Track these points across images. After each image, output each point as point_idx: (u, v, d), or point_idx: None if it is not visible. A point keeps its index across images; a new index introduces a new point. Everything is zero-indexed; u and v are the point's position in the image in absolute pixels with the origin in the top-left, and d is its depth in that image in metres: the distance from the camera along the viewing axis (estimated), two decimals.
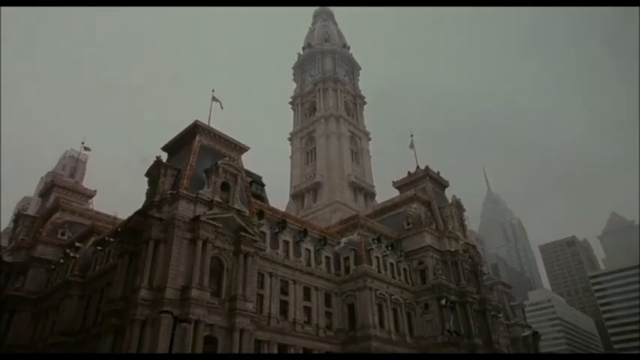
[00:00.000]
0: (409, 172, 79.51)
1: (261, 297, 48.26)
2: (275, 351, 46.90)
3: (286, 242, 54.84)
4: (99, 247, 57.93)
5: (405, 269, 63.52)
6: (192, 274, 40.09)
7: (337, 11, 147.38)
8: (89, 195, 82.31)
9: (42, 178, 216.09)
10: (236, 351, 39.91)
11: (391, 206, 75.02)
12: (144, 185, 48.03)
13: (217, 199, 45.55)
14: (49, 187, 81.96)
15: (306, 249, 56.87)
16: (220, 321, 40.58)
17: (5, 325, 59.06)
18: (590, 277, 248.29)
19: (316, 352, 50.80)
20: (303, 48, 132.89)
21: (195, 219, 42.60)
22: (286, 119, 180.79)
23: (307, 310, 53.04)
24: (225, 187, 47.39)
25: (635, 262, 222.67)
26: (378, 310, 55.64)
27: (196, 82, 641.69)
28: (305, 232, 58.37)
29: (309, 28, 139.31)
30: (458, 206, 73.44)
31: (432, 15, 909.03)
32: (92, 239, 62.20)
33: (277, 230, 54.84)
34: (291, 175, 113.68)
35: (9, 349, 56.38)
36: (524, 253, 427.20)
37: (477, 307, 64.59)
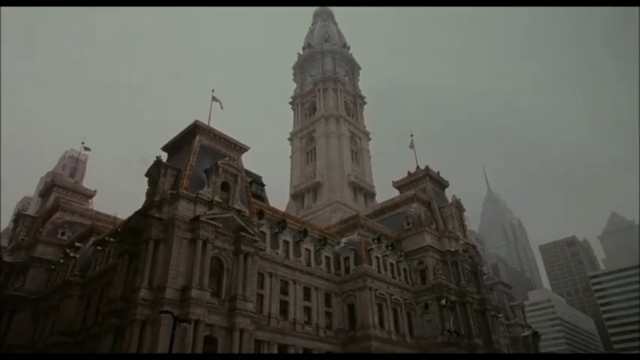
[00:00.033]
0: (409, 172, 79.52)
1: (261, 297, 48.26)
2: (275, 351, 46.90)
3: (286, 242, 54.84)
4: (99, 247, 57.93)
5: (405, 269, 63.52)
6: (192, 274, 40.09)
7: (337, 11, 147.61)
8: (89, 195, 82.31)
9: (42, 178, 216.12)
10: (236, 351, 39.91)
11: (391, 206, 75.02)
12: (144, 185, 48.08)
13: (217, 199, 45.55)
14: (49, 187, 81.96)
15: (306, 249, 56.87)
16: (220, 321, 40.58)
17: (5, 325, 59.06)
18: (590, 277, 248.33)
19: (316, 352, 50.80)
20: (303, 48, 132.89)
21: (195, 219, 42.60)
22: (286, 119, 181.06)
23: (307, 310, 53.03)
24: (225, 187, 47.40)
25: (635, 262, 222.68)
26: (378, 310, 55.64)
27: (196, 82, 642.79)
28: (305, 232, 58.37)
29: (309, 28, 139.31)
30: (458, 206, 73.46)
31: (432, 15, 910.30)
32: (92, 239, 62.20)
33: (277, 230, 54.84)
34: (291, 175, 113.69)
35: (9, 349, 56.38)
36: (524, 253, 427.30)
37: (477, 307, 64.59)
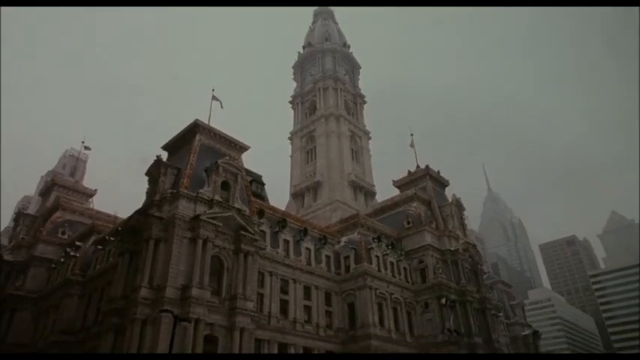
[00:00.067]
0: (409, 171, 79.54)
1: (261, 296, 48.30)
2: (275, 350, 46.94)
3: (286, 241, 54.86)
4: (99, 246, 57.96)
5: (405, 268, 63.54)
6: (192, 273, 40.13)
7: (337, 11, 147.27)
8: (89, 194, 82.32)
9: (42, 177, 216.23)
10: (236, 350, 39.95)
11: (391, 205, 75.03)
12: (144, 184, 48.12)
13: (217, 198, 45.56)
14: (50, 186, 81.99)
15: (307, 248, 56.89)
16: (221, 320, 40.62)
17: (6, 323, 59.13)
18: (590, 276, 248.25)
19: (316, 351, 50.84)
20: (304, 47, 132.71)
21: (196, 218, 42.63)
22: (286, 118, 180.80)
23: (307, 309, 53.07)
24: (225, 186, 47.41)
25: (635, 261, 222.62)
26: (378, 309, 55.67)
27: (196, 82, 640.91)
28: (305, 231, 58.39)
29: (310, 27, 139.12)
30: (458, 205, 73.46)
31: (432, 15, 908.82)
32: (92, 238, 62.24)
33: (277, 229, 54.85)
34: (291, 174, 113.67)
35: (10, 347, 56.47)
36: (524, 252, 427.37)
37: (477, 306, 64.62)
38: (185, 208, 43.33)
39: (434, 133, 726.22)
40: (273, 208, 59.46)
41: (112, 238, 54.85)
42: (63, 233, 68.28)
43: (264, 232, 51.62)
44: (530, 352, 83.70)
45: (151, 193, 46.17)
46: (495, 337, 64.02)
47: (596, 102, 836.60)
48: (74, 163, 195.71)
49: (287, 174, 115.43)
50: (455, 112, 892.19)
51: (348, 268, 58.41)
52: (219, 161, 47.74)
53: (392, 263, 61.65)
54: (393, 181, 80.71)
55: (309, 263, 55.85)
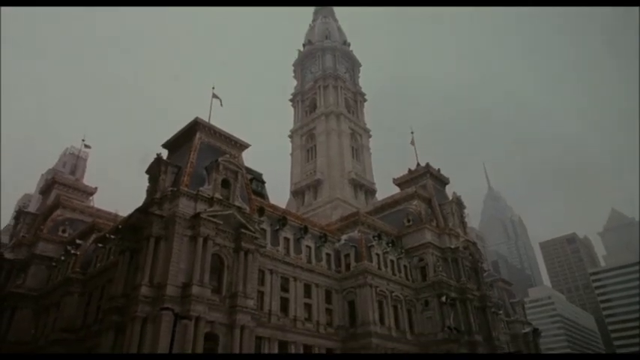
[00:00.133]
0: (410, 169, 79.52)
1: (261, 294, 48.33)
2: (276, 347, 46.98)
3: (287, 239, 54.88)
4: (100, 245, 58.00)
5: (405, 266, 63.56)
6: (192, 271, 40.12)
7: (338, 9, 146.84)
8: (90, 192, 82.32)
9: (42, 175, 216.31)
10: (237, 348, 39.98)
11: (392, 203, 75.02)
12: (144, 182, 48.05)
13: (218, 196, 45.53)
14: (50, 184, 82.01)
15: (307, 246, 56.90)
16: (221, 318, 40.64)
17: (7, 322, 59.21)
18: (590, 274, 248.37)
19: (317, 348, 50.88)
20: (304, 45, 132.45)
21: (196, 216, 42.63)
22: (286, 116, 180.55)
23: (308, 306, 53.11)
24: (225, 184, 47.38)
25: (636, 258, 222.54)
26: (379, 306, 55.72)
27: (196, 80, 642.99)
28: (305, 229, 58.41)
29: (310, 25, 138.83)
30: (458, 203, 73.45)
31: (433, 14, 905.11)
32: (93, 236, 62.24)
33: (278, 227, 54.87)
34: (291, 172, 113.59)
35: (10, 345, 56.55)
36: (524, 250, 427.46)
37: (477, 304, 64.66)
38: (185, 206, 43.32)
39: (434, 132, 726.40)
40: (273, 206, 59.44)
41: (112, 236, 54.86)
42: (63, 231, 68.29)
43: (264, 230, 51.62)
44: (531, 349, 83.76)
45: (151, 191, 46.16)
46: (495, 335, 64.10)
47: (596, 100, 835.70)
48: (74, 161, 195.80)
49: (287, 172, 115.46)
50: (455, 110, 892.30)
51: (348, 266, 58.44)
52: (220, 159, 47.70)
53: (392, 261, 61.67)
54: (394, 179, 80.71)
55: (309, 261, 55.87)
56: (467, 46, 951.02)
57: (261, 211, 52.42)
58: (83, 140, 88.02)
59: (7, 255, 66.55)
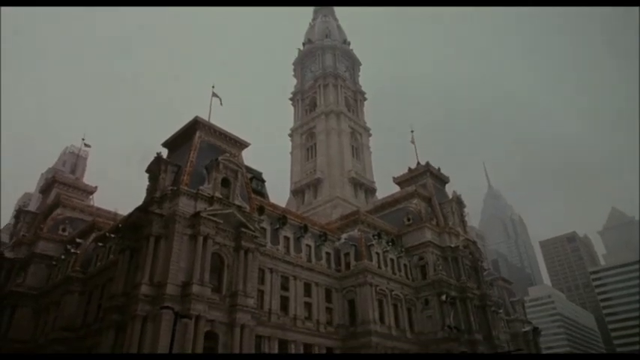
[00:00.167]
0: (410, 168, 79.47)
1: (261, 293, 48.33)
2: (276, 346, 46.97)
3: (287, 238, 54.87)
4: (100, 243, 58.00)
5: (405, 265, 63.55)
6: (192, 270, 40.11)
7: (337, 8, 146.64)
8: (90, 191, 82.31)
9: (42, 174, 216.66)
10: (237, 346, 39.96)
11: (392, 202, 74.99)
12: (144, 181, 48.03)
13: (218, 195, 45.51)
14: (50, 183, 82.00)
15: (307, 245, 56.90)
16: (221, 317, 40.64)
17: (7, 320, 59.24)
18: (590, 273, 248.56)
19: (317, 347, 50.88)
20: (304, 44, 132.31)
21: (196, 215, 42.62)
22: (286, 115, 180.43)
23: (308, 305, 53.11)
24: (225, 183, 47.35)
25: (636, 257, 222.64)
26: (379, 305, 55.72)
27: (196, 79, 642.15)
28: (305, 228, 58.41)
29: (310, 24, 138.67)
30: (458, 202, 73.42)
31: (433, 14, 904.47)
32: (93, 235, 62.23)
33: (278, 226, 54.87)
34: (291, 171, 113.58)
35: (11, 344, 56.57)
36: (524, 248, 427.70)
37: (478, 302, 64.66)
38: (185, 205, 43.30)
39: (434, 131, 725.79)
40: (273, 205, 59.44)
41: (112, 235, 54.87)
42: (63, 230, 68.30)
43: (264, 229, 51.61)
44: (531, 348, 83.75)
45: (151, 190, 46.16)
46: (495, 334, 64.10)
47: (596, 100, 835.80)
48: (74, 160, 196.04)
49: (287, 171, 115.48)
50: (455, 110, 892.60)
51: (348, 265, 58.45)
52: (220, 158, 47.67)
53: (392, 260, 61.67)
54: (394, 177, 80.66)
55: (309, 260, 55.87)
56: (467, 46, 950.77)
57: (261, 210, 52.40)
58: (83, 139, 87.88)
59: (8, 254, 66.57)
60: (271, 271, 50.50)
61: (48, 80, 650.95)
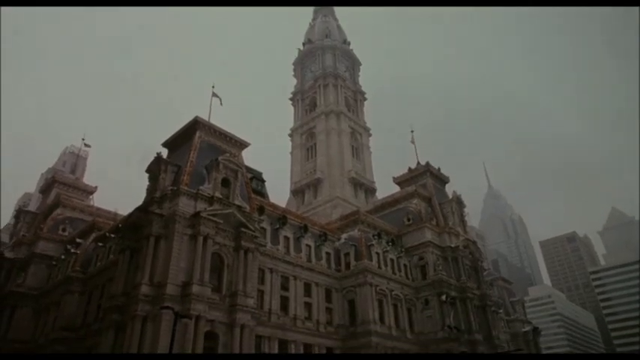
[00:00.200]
0: (410, 168, 79.45)
1: (261, 293, 48.33)
2: (276, 346, 46.97)
3: (287, 238, 54.86)
4: (100, 243, 57.99)
5: (405, 265, 63.55)
6: (192, 270, 40.10)
7: (338, 8, 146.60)
8: (90, 191, 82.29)
9: (42, 174, 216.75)
10: (237, 346, 39.95)
11: (392, 202, 74.97)
12: (144, 181, 48.02)
13: (218, 195, 45.50)
14: (50, 183, 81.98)
15: (307, 245, 56.89)
16: (221, 317, 40.62)
17: (7, 320, 59.22)
18: (590, 273, 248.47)
19: (317, 347, 50.87)
20: (304, 44, 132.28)
21: (196, 215, 42.61)
22: (286, 115, 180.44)
23: (308, 305, 53.10)
24: (225, 183, 47.35)
25: (636, 257, 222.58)
26: (379, 305, 55.71)
27: (196, 79, 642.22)
28: (305, 228, 58.40)
29: (310, 24, 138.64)
30: (458, 202, 73.41)
31: (433, 14, 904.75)
32: (93, 235, 62.23)
33: (278, 226, 54.86)
34: (291, 171, 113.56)
35: (10, 344, 56.57)
36: (524, 248, 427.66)
37: (478, 302, 64.65)
38: (185, 205, 43.30)
39: (434, 131, 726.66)
40: (273, 205, 59.43)
41: (112, 235, 54.86)
42: (63, 230, 68.28)
43: (264, 229, 51.60)
44: (531, 348, 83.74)
45: (151, 190, 46.15)
46: (495, 334, 64.10)
47: (596, 100, 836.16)
48: (74, 160, 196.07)
49: (287, 171, 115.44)
50: (455, 110, 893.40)
51: (348, 265, 58.44)
52: (220, 158, 47.66)
53: (392, 260, 61.66)
54: (394, 177, 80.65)
55: (309, 260, 55.86)
56: (467, 46, 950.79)
57: (261, 209, 52.40)
58: (83, 139, 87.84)
59: (8, 254, 66.55)
60: (271, 271, 50.49)
61: (48, 80, 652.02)
